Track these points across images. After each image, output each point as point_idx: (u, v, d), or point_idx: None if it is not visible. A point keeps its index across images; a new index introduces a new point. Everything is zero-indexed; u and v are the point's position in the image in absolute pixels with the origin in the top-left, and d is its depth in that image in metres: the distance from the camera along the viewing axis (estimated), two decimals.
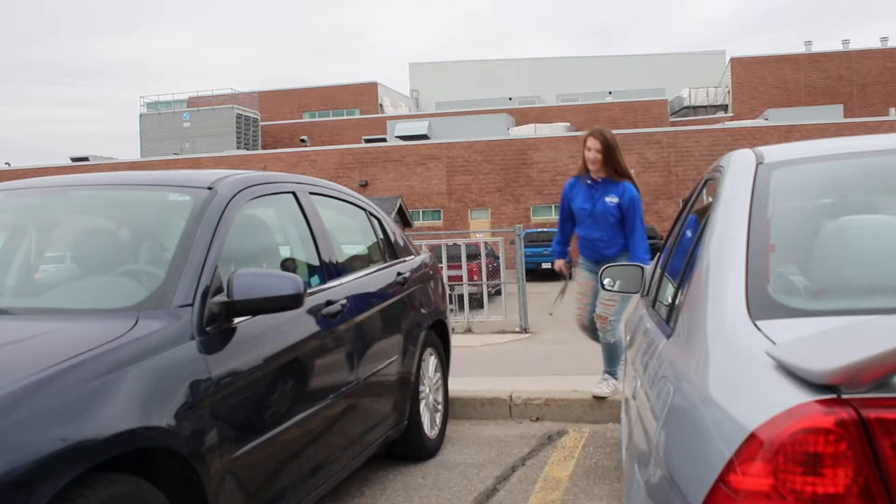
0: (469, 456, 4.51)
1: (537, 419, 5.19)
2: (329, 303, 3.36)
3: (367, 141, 36.48)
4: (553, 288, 6.00)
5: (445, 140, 33.15)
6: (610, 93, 47.14)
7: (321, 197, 3.91)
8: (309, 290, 3.21)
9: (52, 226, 3.51)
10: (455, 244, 11.81)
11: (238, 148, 41.18)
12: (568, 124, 38.12)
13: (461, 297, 10.41)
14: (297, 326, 3.08)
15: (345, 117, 46.41)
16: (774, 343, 1.38)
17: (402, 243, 4.76)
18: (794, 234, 1.90)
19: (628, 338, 3.46)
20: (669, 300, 2.30)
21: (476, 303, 11.29)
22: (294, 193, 3.62)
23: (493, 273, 15.40)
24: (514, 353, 7.77)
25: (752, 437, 1.19)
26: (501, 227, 28.39)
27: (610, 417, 5.02)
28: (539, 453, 4.51)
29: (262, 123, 44.90)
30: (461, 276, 10.52)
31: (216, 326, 2.60)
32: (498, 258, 12.60)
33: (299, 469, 3.01)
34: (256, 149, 42.31)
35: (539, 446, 4.63)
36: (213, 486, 2.38)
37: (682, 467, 1.41)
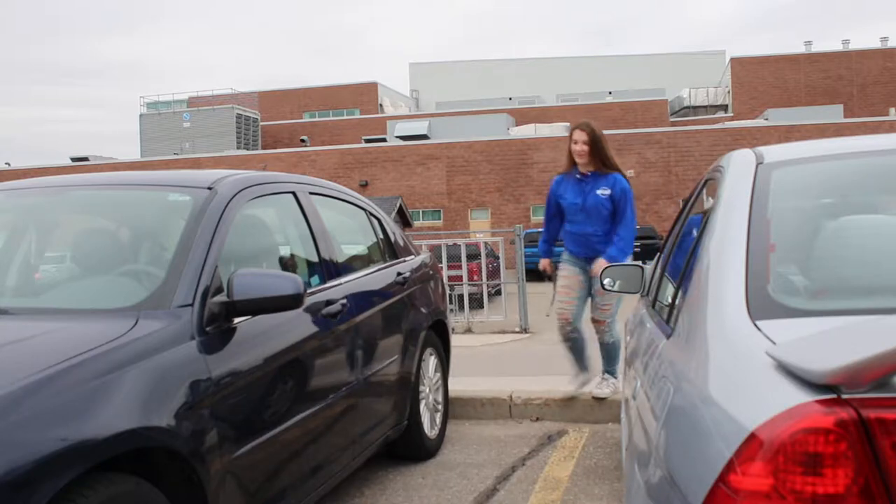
0: (469, 456, 4.51)
1: (537, 419, 5.19)
2: (329, 303, 3.36)
3: (367, 141, 36.48)
4: (552, 289, 5.99)
5: (445, 140, 33.15)
6: (610, 93, 47.14)
7: (321, 197, 3.91)
8: (309, 290, 3.21)
9: (52, 226, 3.51)
10: (455, 244, 11.81)
11: (238, 148, 41.18)
12: (568, 124, 37.92)
13: (461, 297, 10.41)
14: (297, 326, 3.08)
15: (345, 117, 46.40)
16: (774, 343, 1.38)
17: (402, 243, 4.76)
18: (794, 234, 1.90)
19: (628, 338, 3.46)
20: (669, 300, 2.30)
21: (476, 303, 11.28)
22: (294, 193, 3.62)
23: (493, 273, 15.40)
24: (514, 353, 7.76)
25: (752, 437, 1.19)
26: (501, 227, 28.39)
27: (610, 417, 5.02)
28: (539, 453, 4.51)
29: (262, 123, 44.90)
30: (461, 276, 10.52)
31: (216, 326, 2.60)
32: (498, 258, 12.59)
33: (299, 469, 3.01)
34: (256, 149, 42.31)
35: (539, 446, 4.63)
36: (213, 486, 2.38)
37: (682, 467, 1.41)
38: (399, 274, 4.33)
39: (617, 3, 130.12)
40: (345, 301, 3.48)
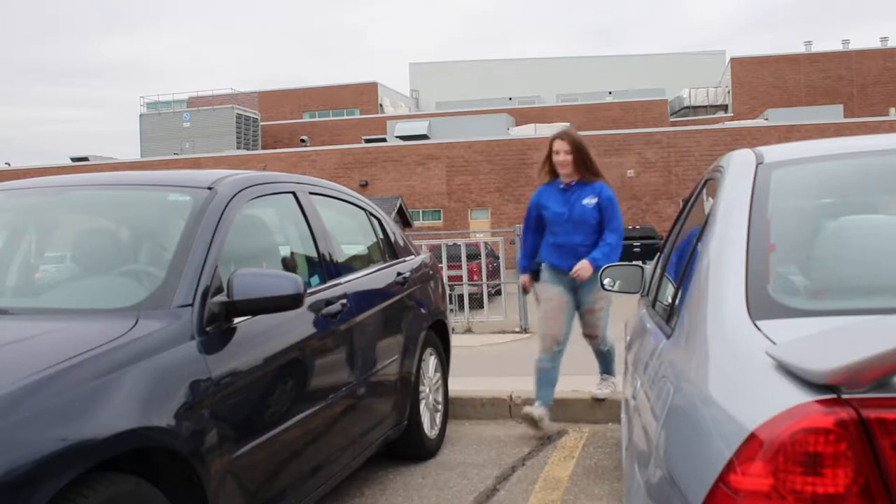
0: (469, 456, 4.51)
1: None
2: (329, 303, 3.36)
3: (367, 141, 36.48)
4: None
5: (445, 140, 33.15)
6: (610, 93, 47.14)
7: (321, 197, 3.91)
8: (309, 290, 3.21)
9: (52, 226, 3.52)
10: (455, 244, 11.82)
11: (238, 148, 41.18)
12: (568, 124, 38.01)
13: (461, 297, 10.41)
14: (297, 326, 3.08)
15: (345, 117, 46.40)
16: (774, 343, 1.38)
17: (402, 243, 4.76)
18: (794, 234, 1.90)
19: (628, 338, 3.46)
20: (669, 300, 2.30)
21: (476, 303, 11.29)
22: (294, 193, 3.62)
23: (493, 273, 15.41)
24: (514, 353, 7.76)
25: (752, 437, 1.19)
26: (501, 227, 28.39)
27: (610, 417, 5.02)
28: (539, 453, 4.51)
29: (262, 123, 44.90)
30: (461, 276, 10.52)
31: (216, 326, 2.60)
32: (498, 258, 12.59)
33: (299, 469, 3.01)
34: (256, 149, 42.31)
35: (539, 446, 4.63)
36: (213, 486, 2.38)
37: (682, 467, 1.41)
38: (399, 274, 4.33)
39: (617, 3, 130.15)
40: (345, 301, 3.48)
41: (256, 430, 2.68)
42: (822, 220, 1.94)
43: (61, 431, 1.92)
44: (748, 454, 1.18)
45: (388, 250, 4.54)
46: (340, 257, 3.81)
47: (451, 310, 9.23)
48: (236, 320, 2.69)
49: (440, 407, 4.72)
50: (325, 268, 3.57)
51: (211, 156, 35.30)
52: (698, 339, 1.64)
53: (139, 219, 3.25)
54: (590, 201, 4.74)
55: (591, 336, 4.95)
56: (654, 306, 2.74)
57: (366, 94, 49.79)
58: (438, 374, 4.74)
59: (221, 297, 2.65)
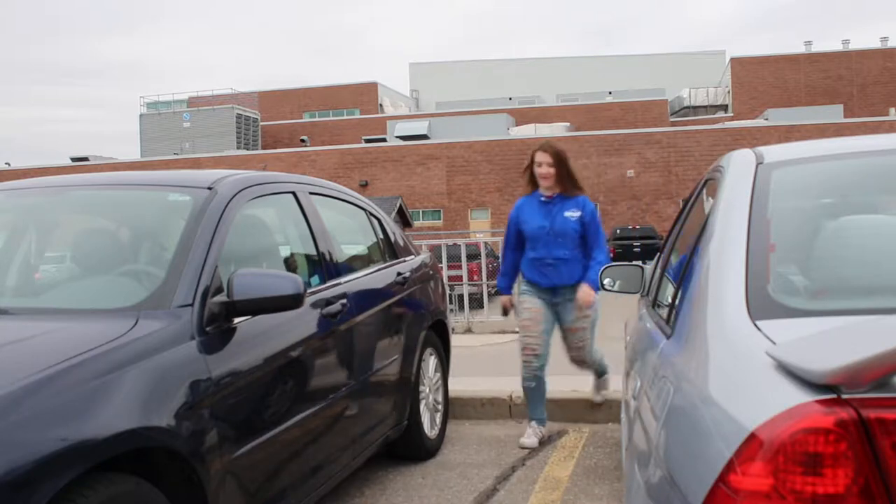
0: (469, 456, 4.51)
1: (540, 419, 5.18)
2: (329, 303, 3.36)
3: (367, 141, 36.48)
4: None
5: (445, 140, 33.15)
6: (610, 93, 47.13)
7: (321, 197, 3.91)
8: (309, 290, 3.21)
9: (52, 226, 3.52)
10: (455, 244, 11.82)
11: (238, 148, 41.17)
12: (568, 124, 38.13)
13: (461, 297, 10.42)
14: (297, 326, 3.08)
15: (345, 117, 46.40)
16: (774, 343, 1.38)
17: (402, 243, 4.76)
18: (794, 234, 1.90)
19: (628, 338, 3.46)
20: (669, 300, 2.30)
21: (476, 303, 11.29)
22: (294, 193, 3.62)
23: (493, 273, 15.40)
24: (514, 353, 7.72)
25: (752, 437, 1.19)
26: (501, 227, 28.37)
27: (610, 417, 5.02)
28: (539, 453, 4.51)
29: (262, 123, 44.89)
30: (461, 276, 10.53)
31: (216, 326, 2.60)
32: (498, 258, 12.59)
33: (299, 469, 3.01)
34: (256, 149, 42.30)
35: (539, 446, 4.63)
36: (213, 486, 2.38)
37: (682, 467, 1.41)
38: (399, 274, 4.33)
39: (617, 3, 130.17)
40: (345, 301, 3.48)
41: (256, 430, 2.68)
42: (822, 220, 1.94)
43: (61, 431, 1.92)
44: (748, 454, 1.18)
45: (388, 250, 4.54)
46: (340, 257, 3.81)
47: (451, 310, 9.22)
48: (236, 320, 2.69)
49: (440, 407, 4.72)
50: (325, 268, 3.57)
51: (211, 156, 35.30)
52: (698, 339, 1.64)
53: (139, 219, 3.25)
54: (572, 214, 4.60)
55: (578, 361, 4.77)
56: (654, 306, 2.74)
57: (366, 94, 49.78)
58: (438, 374, 4.74)
59: (221, 297, 2.65)
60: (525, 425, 4.83)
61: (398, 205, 28.07)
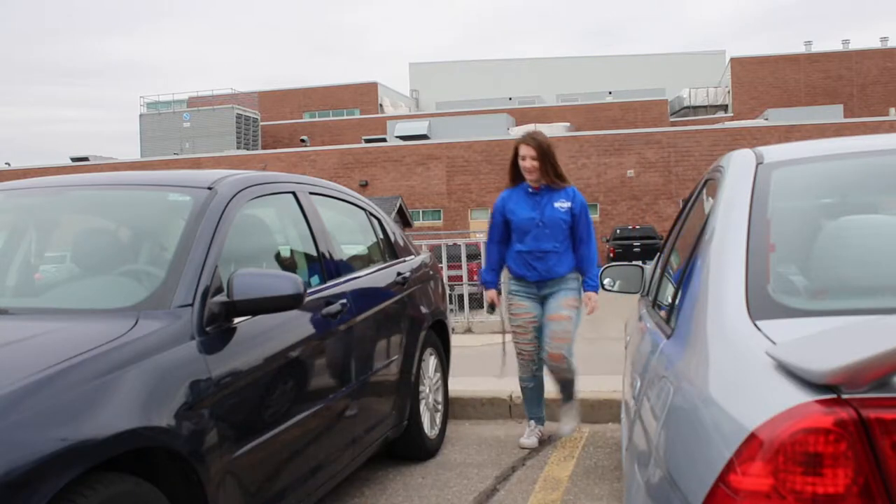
0: (469, 456, 4.51)
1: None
2: (329, 303, 3.36)
3: (367, 141, 36.49)
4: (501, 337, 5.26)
5: (445, 140, 33.15)
6: (610, 93, 47.14)
7: (321, 197, 3.91)
8: (309, 290, 3.21)
9: (52, 226, 3.51)
10: (455, 244, 11.83)
11: (238, 148, 41.17)
12: (568, 124, 38.13)
13: (461, 297, 10.42)
14: (297, 326, 3.08)
15: (345, 117, 46.40)
16: (774, 343, 1.38)
17: (402, 243, 4.76)
18: (794, 234, 1.90)
19: (628, 338, 3.46)
20: (669, 300, 2.30)
21: (476, 303, 11.29)
22: (294, 193, 3.62)
23: None
24: (515, 353, 7.75)
25: (752, 437, 1.19)
26: None
27: (610, 417, 5.02)
28: (539, 453, 4.51)
29: (262, 123, 44.89)
30: (461, 276, 10.53)
31: (216, 326, 2.60)
32: None
33: (299, 469, 3.01)
34: (256, 149, 42.30)
35: (539, 446, 4.63)
36: (213, 486, 2.38)
37: (682, 467, 1.41)
38: (399, 274, 4.33)
39: (617, 3, 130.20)
40: (345, 301, 3.48)
41: (256, 430, 2.68)
42: (822, 220, 1.94)
43: (61, 431, 1.92)
44: (748, 454, 1.18)
45: (388, 250, 4.54)
46: (340, 257, 3.81)
47: (451, 310, 9.22)
48: (236, 320, 2.69)
49: (440, 407, 4.72)
50: (325, 268, 3.57)
51: (211, 156, 35.29)
52: (698, 339, 1.64)
53: (139, 219, 3.25)
54: (562, 205, 4.50)
55: (556, 358, 4.45)
56: (654, 306, 2.74)
57: (366, 94, 49.78)
58: (438, 374, 4.74)
59: (221, 297, 2.65)
60: (524, 425, 4.83)
61: (398, 205, 28.07)
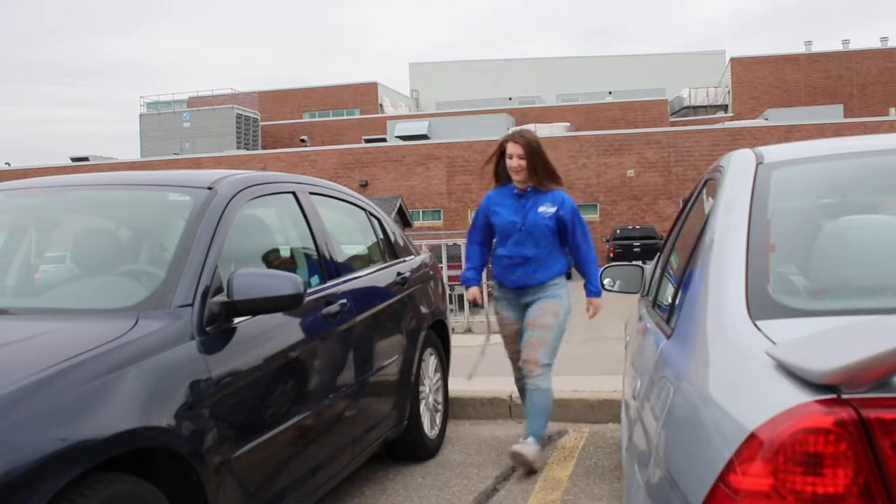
0: (469, 456, 4.51)
1: None
2: (329, 303, 3.36)
3: (367, 141, 36.48)
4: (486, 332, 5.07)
5: (445, 140, 33.14)
6: (610, 93, 47.13)
7: (321, 197, 3.91)
8: (309, 290, 3.21)
9: (52, 226, 3.52)
10: (455, 244, 11.83)
11: (238, 148, 41.16)
12: (568, 124, 38.12)
13: (461, 297, 10.41)
14: (297, 326, 3.08)
15: (345, 117, 46.39)
16: (774, 343, 1.38)
17: (402, 243, 4.76)
18: (794, 234, 1.90)
19: (628, 338, 3.46)
20: (669, 300, 2.30)
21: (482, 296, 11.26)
22: (294, 193, 3.62)
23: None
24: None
25: (752, 437, 1.19)
26: None
27: (610, 417, 5.02)
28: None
29: (262, 123, 44.88)
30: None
31: (216, 326, 2.60)
32: None
33: (299, 469, 3.01)
34: (256, 149, 42.29)
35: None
36: (213, 486, 2.38)
37: (682, 467, 1.41)
38: (399, 274, 4.33)
39: (617, 3, 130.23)
40: (345, 301, 3.48)
41: (256, 430, 2.68)
42: (822, 220, 1.94)
43: (61, 431, 1.92)
44: (748, 454, 1.18)
45: (388, 250, 4.54)
46: (340, 257, 3.81)
47: (451, 310, 9.22)
48: (236, 320, 2.69)
49: (440, 407, 4.72)
50: (325, 268, 3.57)
51: (211, 156, 35.28)
52: (698, 340, 1.64)
53: (139, 219, 3.25)
54: (547, 210, 4.23)
55: (530, 361, 4.16)
56: (654, 306, 2.74)
57: (366, 94, 49.78)
58: (438, 374, 4.74)
59: (221, 297, 2.65)
60: (524, 426, 4.80)
61: (398, 205, 28.06)
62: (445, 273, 8.50)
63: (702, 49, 70.84)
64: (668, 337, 1.98)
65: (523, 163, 4.25)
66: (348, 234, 4.29)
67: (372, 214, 4.53)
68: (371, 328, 3.77)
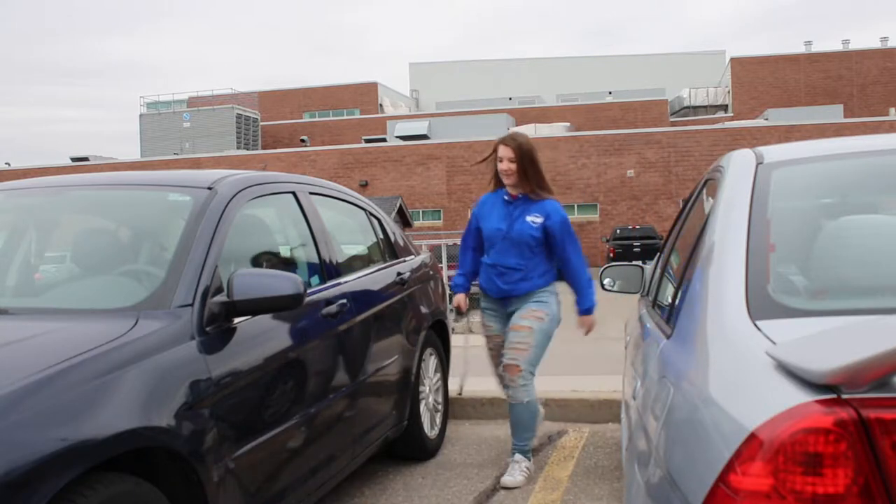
0: (469, 456, 4.51)
1: None
2: (329, 303, 3.36)
3: (367, 141, 36.49)
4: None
5: (445, 140, 33.16)
6: (610, 93, 47.15)
7: (321, 197, 3.91)
8: (309, 290, 3.21)
9: (52, 226, 3.51)
10: (455, 244, 11.82)
11: (238, 148, 41.18)
12: (568, 124, 38.14)
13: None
14: (297, 326, 3.08)
15: (345, 117, 46.42)
16: (774, 343, 1.38)
17: (402, 243, 4.76)
18: (794, 234, 1.90)
19: (628, 338, 3.46)
20: (669, 300, 2.30)
21: (476, 303, 11.27)
22: (294, 193, 3.62)
23: None
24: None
25: (752, 437, 1.19)
26: None
27: (610, 417, 5.02)
28: (539, 453, 4.51)
29: (262, 123, 44.90)
30: None
31: (216, 326, 2.60)
32: None
33: (299, 469, 3.01)
34: (256, 149, 42.31)
35: (539, 446, 4.63)
36: (212, 486, 2.38)
37: (682, 467, 1.41)
38: (399, 274, 4.33)
39: (617, 3, 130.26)
40: (345, 301, 3.48)
41: (256, 430, 2.68)
42: (822, 220, 1.94)
43: (61, 431, 1.92)
44: (748, 454, 1.18)
45: (388, 250, 4.54)
46: (340, 257, 3.81)
47: (451, 310, 9.22)
48: (236, 320, 2.69)
49: (440, 407, 4.72)
50: (325, 268, 3.57)
51: (211, 156, 35.31)
52: (698, 340, 1.64)
53: (139, 219, 3.25)
54: (534, 220, 4.05)
55: (511, 367, 4.00)
56: (654, 306, 2.74)
57: (366, 94, 49.80)
58: (438, 375, 4.74)
59: (221, 297, 2.65)
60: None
61: (398, 205, 28.06)
62: (445, 273, 8.49)
63: (702, 49, 70.89)
64: (668, 337, 1.98)
65: (513, 167, 4.10)
66: (348, 234, 4.29)
67: (372, 214, 4.53)
68: (371, 328, 3.77)
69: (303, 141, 41.13)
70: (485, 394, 5.39)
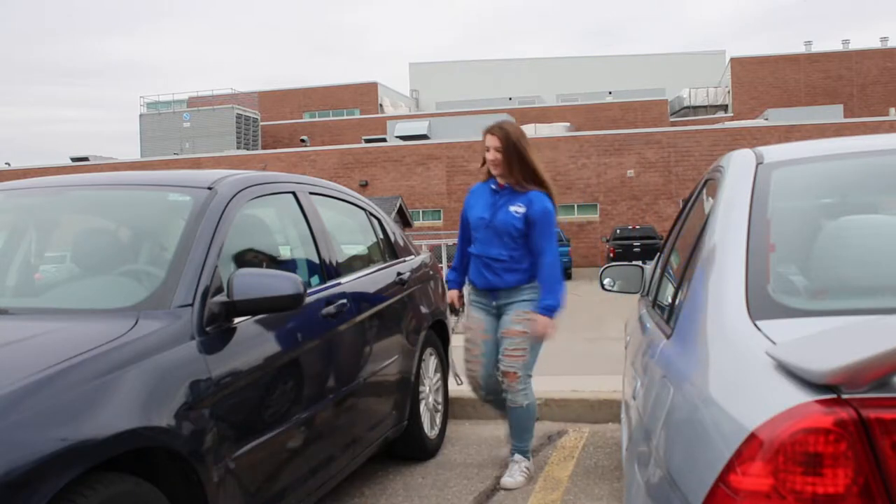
0: (469, 456, 4.51)
1: (537, 419, 5.17)
2: (329, 303, 3.36)
3: (367, 141, 36.49)
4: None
5: (445, 140, 33.16)
6: (610, 93, 47.15)
7: (321, 197, 3.91)
8: (309, 290, 3.21)
9: (52, 226, 3.51)
10: (455, 244, 11.82)
11: (238, 148, 41.17)
12: (568, 124, 38.14)
13: (461, 296, 10.39)
14: (297, 326, 3.08)
15: (345, 117, 46.43)
16: (774, 343, 1.38)
17: (402, 243, 4.76)
18: (794, 234, 1.90)
19: (628, 338, 3.46)
20: (669, 300, 2.30)
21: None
22: (294, 193, 3.62)
23: None
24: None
25: (752, 437, 1.19)
26: None
27: (610, 417, 5.02)
28: (539, 453, 4.51)
29: (262, 123, 44.90)
30: None
31: (216, 326, 2.60)
32: None
33: (299, 469, 3.01)
34: (256, 149, 42.31)
35: (539, 446, 4.63)
36: (212, 486, 2.38)
37: (682, 467, 1.41)
38: (399, 274, 4.33)
39: (617, 3, 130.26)
40: (345, 301, 3.48)
41: (256, 430, 2.68)
42: (822, 220, 1.94)
43: (61, 431, 1.92)
44: (748, 454, 1.18)
45: (388, 250, 4.54)
46: (340, 257, 3.80)
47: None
48: (236, 320, 2.69)
49: (440, 407, 4.72)
50: (325, 268, 3.57)
51: (211, 156, 35.31)
52: (698, 340, 1.64)
53: (139, 219, 3.25)
54: (517, 210, 3.93)
55: (509, 374, 3.95)
56: (654, 306, 2.74)
57: (366, 94, 49.81)
58: (439, 375, 4.74)
59: (221, 297, 2.65)
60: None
61: (398, 205, 28.05)
62: (445, 273, 8.48)
63: (702, 49, 70.89)
64: (668, 337, 1.98)
65: (499, 156, 3.95)
66: (348, 234, 4.29)
67: (372, 214, 4.53)
68: (371, 328, 3.77)
69: (303, 141, 41.12)
70: None
